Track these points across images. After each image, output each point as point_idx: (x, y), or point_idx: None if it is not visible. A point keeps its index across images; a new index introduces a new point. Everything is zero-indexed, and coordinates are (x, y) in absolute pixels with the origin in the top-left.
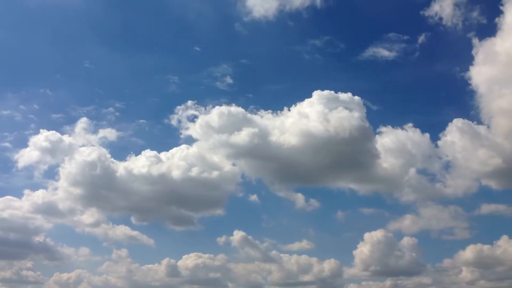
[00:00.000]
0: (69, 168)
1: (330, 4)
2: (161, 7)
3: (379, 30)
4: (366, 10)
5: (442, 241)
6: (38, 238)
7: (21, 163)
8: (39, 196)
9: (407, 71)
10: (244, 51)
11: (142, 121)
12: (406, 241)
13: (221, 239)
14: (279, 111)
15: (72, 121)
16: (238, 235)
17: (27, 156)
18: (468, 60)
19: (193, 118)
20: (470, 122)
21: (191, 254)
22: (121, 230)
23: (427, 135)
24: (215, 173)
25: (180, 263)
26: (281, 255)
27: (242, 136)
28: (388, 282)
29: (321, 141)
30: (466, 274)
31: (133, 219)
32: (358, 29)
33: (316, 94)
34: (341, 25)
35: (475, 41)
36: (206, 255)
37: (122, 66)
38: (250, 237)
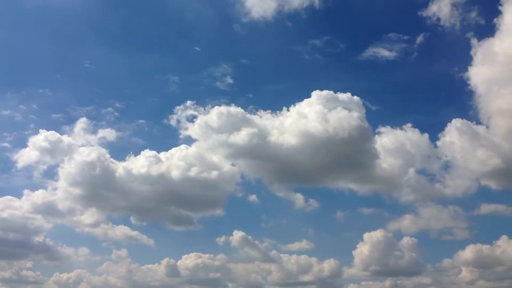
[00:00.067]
0: (68, 168)
1: (329, 4)
2: (161, 7)
3: (379, 30)
4: (366, 10)
5: (442, 241)
6: (38, 238)
7: (20, 163)
8: (39, 196)
9: (406, 71)
10: (244, 51)
11: (141, 121)
12: (405, 241)
13: (221, 239)
14: (278, 111)
15: (72, 121)
16: (237, 235)
17: (26, 156)
18: (467, 60)
19: (192, 118)
20: (469, 122)
21: (191, 254)
22: (121, 230)
23: (426, 135)
24: (214, 173)
25: (179, 263)
26: (281, 255)
27: (241, 136)
28: (388, 282)
29: (320, 141)
30: (465, 274)
31: (132, 219)
32: (358, 29)
33: (315, 94)
34: (341, 25)
35: (474, 41)
36: (206, 255)
37: (122, 66)
38: (249, 237)
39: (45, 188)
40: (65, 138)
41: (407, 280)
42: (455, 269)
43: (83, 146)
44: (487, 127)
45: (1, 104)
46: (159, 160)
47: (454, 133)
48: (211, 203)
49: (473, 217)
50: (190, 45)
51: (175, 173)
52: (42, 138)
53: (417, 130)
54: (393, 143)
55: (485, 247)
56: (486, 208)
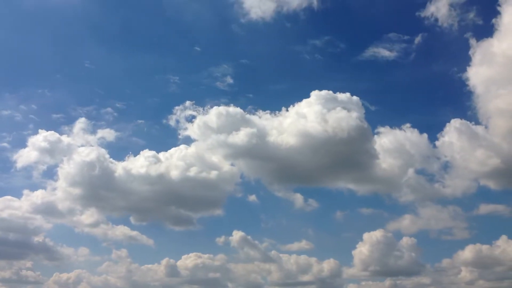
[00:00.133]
0: (68, 168)
1: (327, 5)
2: (161, 8)
3: (379, 30)
4: (365, 11)
5: (441, 241)
6: (38, 238)
7: (20, 163)
8: (38, 196)
9: (405, 71)
10: (244, 51)
11: (140, 121)
12: (405, 241)
13: (220, 239)
14: (277, 111)
15: (71, 121)
16: (237, 235)
17: (26, 156)
18: (465, 61)
19: (191, 119)
20: (468, 122)
21: (191, 254)
22: (121, 230)
23: (425, 135)
24: (213, 173)
25: (179, 263)
26: (281, 255)
27: (241, 136)
28: (387, 282)
29: (319, 141)
30: (465, 274)
31: (132, 219)
32: (358, 29)
33: (314, 94)
34: (341, 25)
35: (473, 42)
36: (206, 255)
37: (122, 66)
38: (249, 237)
39: (45, 188)
40: (65, 138)
41: (407, 280)
42: (454, 269)
43: (82, 146)
44: (486, 127)
45: (1, 104)
46: (158, 160)
47: (453, 133)
48: (211, 203)
49: (473, 217)
50: (190, 45)
51: (175, 173)
52: (42, 138)
53: (416, 130)
54: (392, 143)
55: (485, 247)
56: (485, 208)
